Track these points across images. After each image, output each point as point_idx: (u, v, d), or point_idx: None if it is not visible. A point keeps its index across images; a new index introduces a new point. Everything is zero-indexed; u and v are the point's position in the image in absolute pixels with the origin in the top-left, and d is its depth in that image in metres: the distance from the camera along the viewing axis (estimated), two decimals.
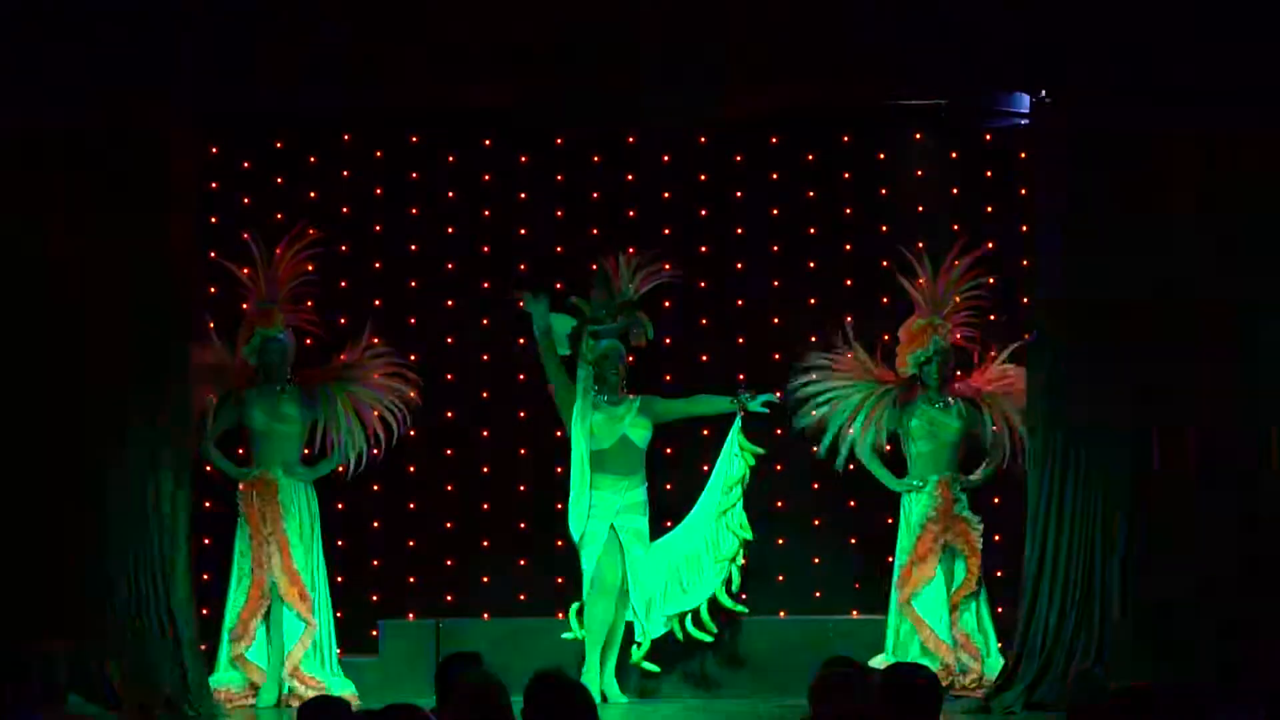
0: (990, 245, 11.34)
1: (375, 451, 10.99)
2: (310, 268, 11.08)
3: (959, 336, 11.25)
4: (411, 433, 11.11)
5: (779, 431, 11.34)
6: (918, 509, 11.02)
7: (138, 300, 10.39)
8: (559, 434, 11.19)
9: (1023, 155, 11.73)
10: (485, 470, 11.73)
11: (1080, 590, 10.46)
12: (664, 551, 11.11)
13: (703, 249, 11.77)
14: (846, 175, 11.87)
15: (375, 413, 10.97)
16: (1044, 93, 10.65)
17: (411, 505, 11.66)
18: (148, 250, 10.40)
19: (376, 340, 11.11)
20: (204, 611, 11.25)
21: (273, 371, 10.95)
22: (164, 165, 10.43)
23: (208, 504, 11.39)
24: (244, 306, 11.08)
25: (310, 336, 11.20)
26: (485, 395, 11.73)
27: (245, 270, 11.03)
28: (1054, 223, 10.57)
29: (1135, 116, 10.47)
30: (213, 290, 11.36)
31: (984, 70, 10.68)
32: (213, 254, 11.33)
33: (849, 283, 11.80)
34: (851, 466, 11.14)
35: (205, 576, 11.31)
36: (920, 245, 11.27)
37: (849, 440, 11.08)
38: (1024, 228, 11.74)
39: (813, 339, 11.39)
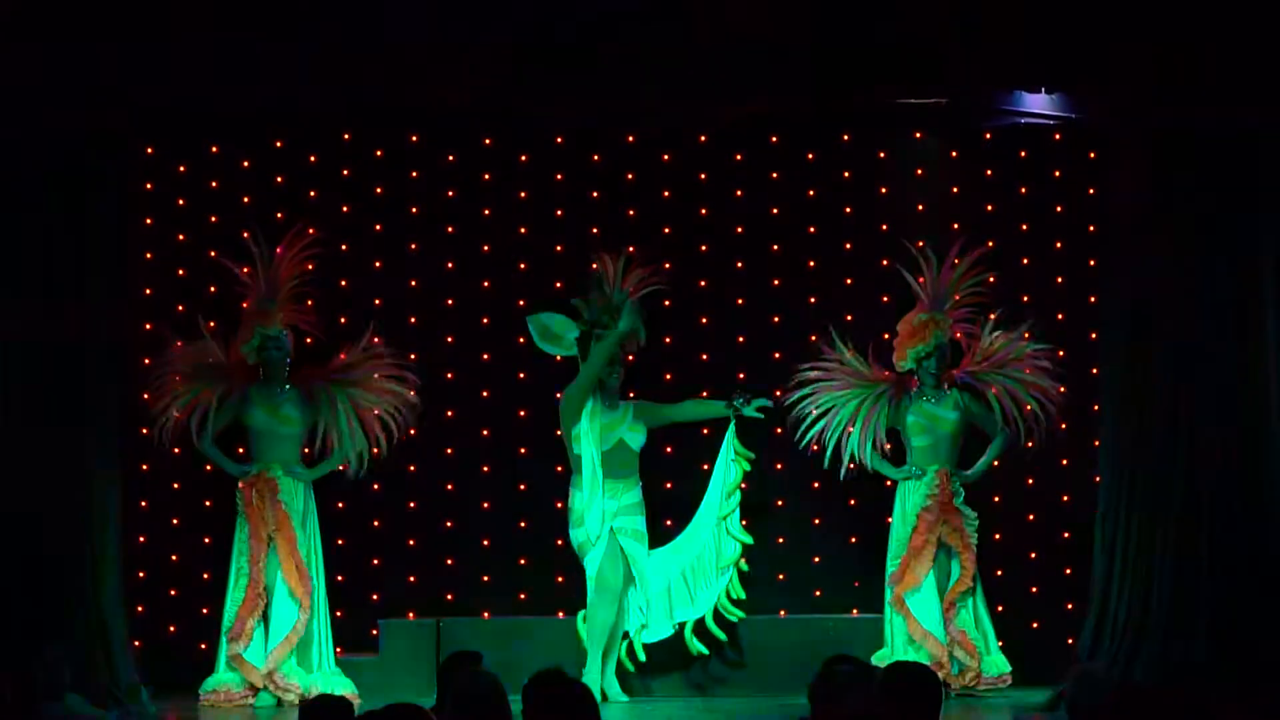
0: (990, 244, 11.35)
1: (375, 452, 10.98)
2: (310, 267, 11.08)
3: (959, 334, 11.25)
4: (412, 432, 11.10)
5: (779, 431, 11.34)
6: (913, 498, 11.02)
7: (64, 300, 10.45)
8: (558, 433, 11.19)
9: (1022, 155, 11.75)
10: (485, 470, 11.72)
11: (1145, 585, 10.65)
12: (667, 558, 11.11)
13: (703, 249, 11.76)
14: (846, 174, 11.86)
15: (375, 414, 10.96)
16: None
17: (412, 504, 11.65)
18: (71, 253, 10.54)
19: (377, 340, 11.10)
20: (203, 611, 11.28)
21: (273, 370, 10.95)
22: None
23: (208, 503, 11.41)
24: (244, 305, 11.07)
25: (310, 336, 11.19)
26: (485, 395, 11.73)
27: (245, 269, 11.03)
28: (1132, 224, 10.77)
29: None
30: (212, 290, 11.37)
31: (984, 70, 10.69)
32: (213, 253, 11.34)
33: (849, 282, 11.79)
34: (852, 465, 11.13)
35: (205, 576, 11.33)
36: (920, 244, 11.27)
37: (849, 444, 11.07)
38: (1024, 226, 11.78)
39: (813, 338, 11.38)
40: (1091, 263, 11.74)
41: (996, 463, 11.24)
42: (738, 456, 11.05)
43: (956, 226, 11.56)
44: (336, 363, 11.07)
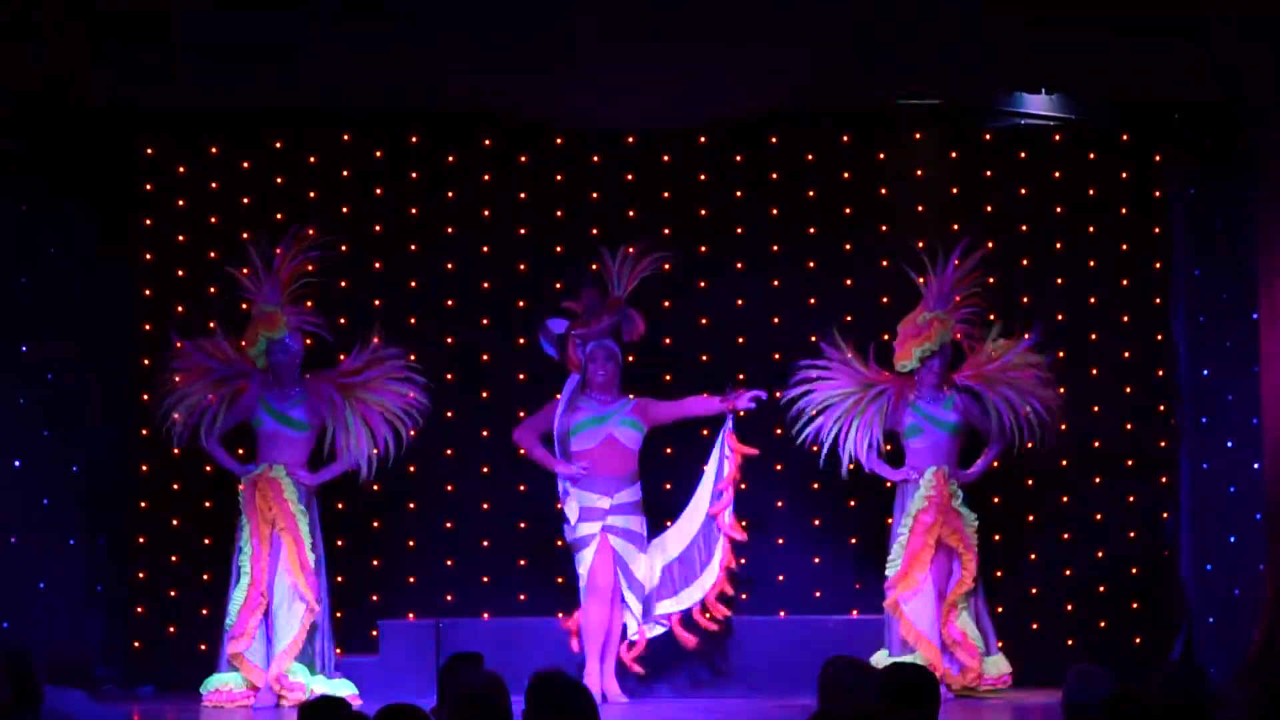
0: (990, 245, 11.34)
1: (378, 453, 10.91)
2: (311, 268, 11.04)
3: (959, 335, 11.24)
4: (411, 433, 11.08)
5: (778, 431, 11.33)
6: (912, 500, 11.00)
7: None
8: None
9: (1022, 155, 11.76)
10: (485, 470, 11.72)
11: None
12: (657, 552, 11.09)
13: (702, 249, 11.76)
14: (846, 175, 11.87)
15: (382, 418, 10.90)
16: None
17: (411, 505, 11.65)
18: None
19: (377, 339, 11.05)
20: (203, 611, 11.28)
21: (280, 373, 10.90)
22: None
23: (208, 504, 11.41)
24: (243, 307, 11.05)
25: (313, 337, 11.11)
26: (485, 395, 11.73)
27: (245, 270, 10.99)
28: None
29: None
30: (212, 290, 11.37)
31: (984, 70, 10.69)
32: (212, 254, 11.34)
33: (849, 282, 11.80)
34: (851, 466, 11.12)
35: (206, 576, 11.33)
36: (920, 244, 11.26)
37: (847, 444, 11.04)
38: (1023, 227, 11.78)
39: (812, 338, 11.37)
40: (1091, 264, 11.76)
41: (996, 463, 11.22)
42: (734, 453, 11.01)
43: (956, 227, 11.55)
44: (342, 366, 11.02)
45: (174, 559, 11.48)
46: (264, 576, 10.71)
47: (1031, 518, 11.68)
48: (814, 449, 11.17)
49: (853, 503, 11.60)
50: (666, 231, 11.65)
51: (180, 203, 11.58)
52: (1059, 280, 11.77)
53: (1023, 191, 11.80)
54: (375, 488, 11.40)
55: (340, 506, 11.39)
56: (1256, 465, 11.02)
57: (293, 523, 10.70)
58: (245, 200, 11.57)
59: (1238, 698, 5.73)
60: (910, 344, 11.10)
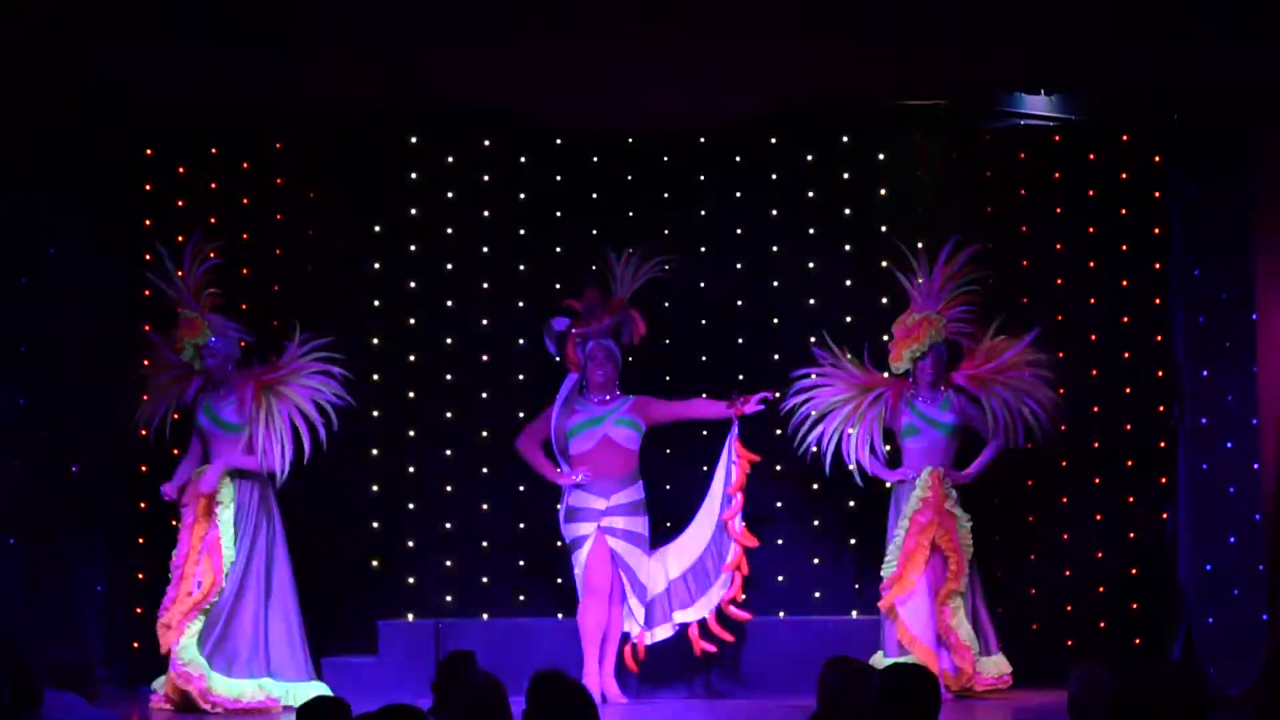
0: (991, 245, 11.34)
1: (289, 453, 10.74)
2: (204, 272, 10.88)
3: (954, 334, 11.22)
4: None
5: (779, 432, 11.33)
6: (908, 501, 10.99)
7: None
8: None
9: (1021, 155, 11.75)
10: (485, 470, 11.72)
11: None
12: (667, 559, 11.10)
13: (703, 249, 11.76)
14: (846, 175, 11.86)
15: (296, 416, 10.78)
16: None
17: (410, 505, 11.65)
18: None
19: (299, 333, 10.87)
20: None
21: (214, 375, 10.85)
22: None
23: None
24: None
25: (245, 339, 10.96)
26: (485, 395, 11.73)
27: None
28: None
29: None
30: (211, 291, 11.29)
31: (984, 70, 10.68)
32: (211, 254, 11.23)
33: (848, 283, 11.80)
34: (852, 466, 11.12)
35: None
36: (920, 246, 11.25)
37: (851, 448, 11.04)
38: (1023, 227, 11.77)
39: (812, 339, 11.37)
40: (1091, 264, 11.76)
41: (995, 463, 11.21)
42: (740, 458, 11.02)
43: (956, 228, 11.54)
44: (271, 362, 10.94)
45: (173, 559, 11.45)
46: (194, 572, 10.63)
47: (1031, 518, 11.68)
48: (813, 449, 11.16)
49: (852, 503, 11.60)
50: (666, 232, 11.65)
51: (180, 203, 11.57)
52: (1059, 280, 11.76)
53: (1022, 191, 11.79)
54: (375, 488, 11.42)
55: (340, 507, 11.39)
56: (1256, 465, 11.03)
57: (216, 532, 10.63)
58: (245, 201, 11.57)
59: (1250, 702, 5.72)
60: (901, 345, 11.12)
